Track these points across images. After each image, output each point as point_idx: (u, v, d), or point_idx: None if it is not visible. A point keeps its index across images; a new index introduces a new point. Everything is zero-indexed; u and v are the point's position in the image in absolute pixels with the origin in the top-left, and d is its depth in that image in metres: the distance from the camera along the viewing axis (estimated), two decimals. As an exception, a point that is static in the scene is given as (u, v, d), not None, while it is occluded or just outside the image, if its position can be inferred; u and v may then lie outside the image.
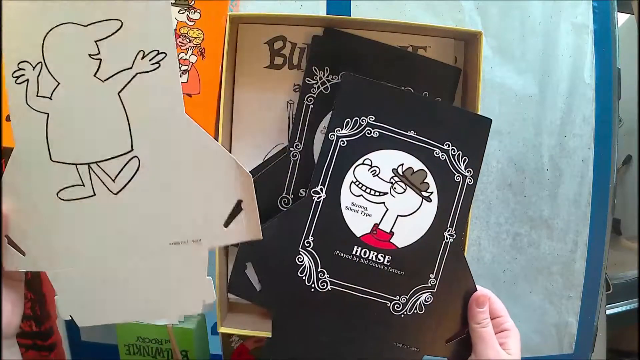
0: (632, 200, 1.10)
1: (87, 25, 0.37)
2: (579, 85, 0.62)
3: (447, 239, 0.44)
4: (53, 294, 0.39)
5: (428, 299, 0.44)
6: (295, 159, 0.48)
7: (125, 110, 0.38)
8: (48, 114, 0.38)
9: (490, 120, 0.45)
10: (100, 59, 0.37)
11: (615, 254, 0.83)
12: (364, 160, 0.44)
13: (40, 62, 0.38)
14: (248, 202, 0.40)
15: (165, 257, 0.40)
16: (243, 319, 0.47)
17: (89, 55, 0.37)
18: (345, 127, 0.44)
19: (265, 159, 0.49)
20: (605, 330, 0.70)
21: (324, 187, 0.44)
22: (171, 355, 0.61)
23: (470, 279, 0.45)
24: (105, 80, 0.38)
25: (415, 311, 0.44)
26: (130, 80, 0.38)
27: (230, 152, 0.49)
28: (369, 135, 0.44)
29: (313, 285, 0.44)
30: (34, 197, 0.38)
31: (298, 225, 0.43)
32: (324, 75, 0.48)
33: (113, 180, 0.38)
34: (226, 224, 0.40)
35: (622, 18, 1.02)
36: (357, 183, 0.44)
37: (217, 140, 0.43)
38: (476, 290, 0.45)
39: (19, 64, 0.38)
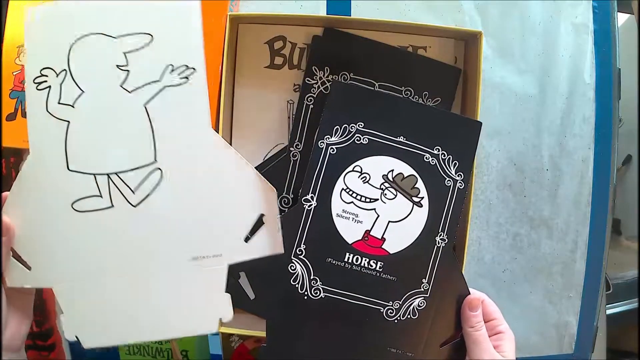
0: (632, 200, 1.10)
1: (116, 37, 0.37)
2: (579, 85, 0.61)
3: (439, 243, 0.44)
4: (53, 295, 0.39)
5: (421, 303, 0.44)
6: (295, 159, 0.48)
7: (150, 122, 0.37)
8: (69, 121, 0.37)
9: (480, 123, 0.45)
10: (128, 71, 0.37)
11: (615, 254, 0.83)
12: (354, 167, 0.44)
13: (65, 69, 0.37)
14: (270, 216, 0.39)
15: (184, 273, 0.38)
16: (243, 319, 0.47)
17: (117, 66, 0.37)
18: (335, 135, 0.44)
19: (265, 159, 0.49)
20: (605, 330, 0.70)
21: (314, 195, 0.44)
22: (171, 355, 0.61)
23: (464, 282, 0.45)
24: (132, 91, 0.37)
25: (409, 316, 0.44)
26: (158, 93, 0.37)
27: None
28: (358, 142, 0.44)
29: (306, 293, 0.44)
30: (47, 207, 0.37)
31: (290, 234, 0.43)
32: (324, 75, 0.48)
33: (133, 192, 0.38)
34: (247, 239, 0.39)
35: (622, 18, 1.02)
36: (347, 190, 0.44)
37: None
38: (469, 293, 0.45)
39: (41, 70, 0.37)
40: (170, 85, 0.37)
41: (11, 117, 0.53)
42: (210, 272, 0.39)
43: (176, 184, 0.38)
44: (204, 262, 0.39)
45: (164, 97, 0.37)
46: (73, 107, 0.37)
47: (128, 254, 0.38)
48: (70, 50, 0.37)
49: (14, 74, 0.53)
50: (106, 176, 0.37)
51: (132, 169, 0.38)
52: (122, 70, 0.37)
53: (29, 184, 0.37)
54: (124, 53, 0.37)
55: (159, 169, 0.38)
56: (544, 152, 0.61)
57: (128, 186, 0.38)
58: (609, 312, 0.76)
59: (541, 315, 0.63)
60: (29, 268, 0.37)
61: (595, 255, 0.63)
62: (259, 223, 0.39)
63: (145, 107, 0.37)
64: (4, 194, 0.38)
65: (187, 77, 0.37)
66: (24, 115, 0.53)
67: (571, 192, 0.62)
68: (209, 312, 0.39)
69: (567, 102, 0.61)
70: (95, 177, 0.37)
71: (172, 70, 0.37)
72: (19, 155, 0.58)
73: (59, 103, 0.37)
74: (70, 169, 0.37)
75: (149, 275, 0.38)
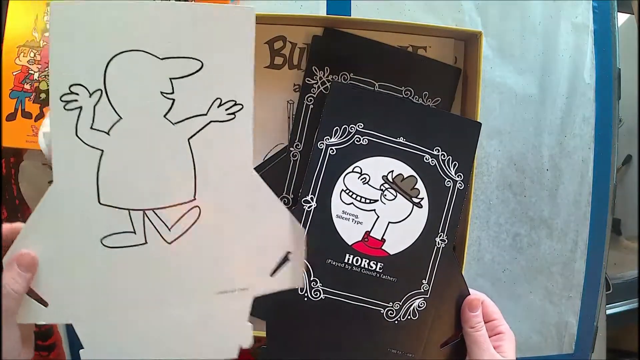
0: (632, 200, 1.10)
1: (163, 59, 0.33)
2: (579, 85, 0.61)
3: (438, 244, 0.44)
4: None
5: (421, 304, 0.44)
6: (295, 159, 0.48)
7: (193, 157, 0.35)
8: (103, 150, 0.33)
9: (480, 124, 0.45)
10: (174, 99, 0.34)
11: (615, 254, 0.83)
12: (353, 168, 0.44)
13: (100, 89, 0.33)
14: (296, 253, 0.39)
15: (210, 306, 0.38)
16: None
17: (161, 92, 0.34)
18: (334, 136, 0.44)
19: (265, 159, 0.49)
20: (605, 330, 0.70)
21: (314, 196, 0.44)
22: (171, 356, 0.61)
23: (463, 283, 0.45)
24: (176, 123, 0.34)
25: (409, 317, 0.44)
26: (203, 128, 0.35)
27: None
28: (358, 143, 0.44)
29: (306, 294, 0.44)
30: (72, 241, 0.34)
31: None
32: (324, 75, 0.48)
33: (169, 229, 0.36)
34: (272, 273, 0.39)
35: (622, 18, 1.02)
36: (347, 191, 0.44)
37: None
38: (469, 294, 0.45)
39: (70, 86, 0.32)
40: (216, 121, 0.35)
41: (11, 117, 0.53)
42: (235, 305, 0.38)
43: (212, 222, 0.36)
44: (231, 296, 0.38)
45: (208, 132, 0.35)
46: (108, 134, 0.33)
47: (156, 289, 0.36)
48: (107, 66, 0.33)
49: (14, 74, 0.53)
50: (142, 212, 0.35)
51: (171, 206, 0.35)
52: (167, 98, 0.34)
53: (52, 216, 0.34)
54: (170, 79, 0.33)
55: (198, 206, 0.36)
56: (544, 152, 0.61)
57: (164, 223, 0.35)
58: (609, 312, 0.76)
59: (541, 315, 0.63)
60: (45, 304, 0.34)
61: (595, 255, 0.63)
62: (284, 259, 0.39)
63: (189, 142, 0.35)
64: (13, 225, 0.34)
65: (234, 114, 0.35)
66: (24, 115, 0.53)
67: (571, 192, 0.62)
68: (231, 339, 0.39)
69: (567, 102, 0.61)
70: (129, 212, 0.35)
71: (220, 105, 0.35)
72: (19, 155, 0.58)
73: (91, 128, 0.33)
74: (101, 202, 0.34)
75: (174, 308, 0.37)
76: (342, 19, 0.50)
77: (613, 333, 0.73)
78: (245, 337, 0.39)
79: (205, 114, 0.35)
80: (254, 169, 0.47)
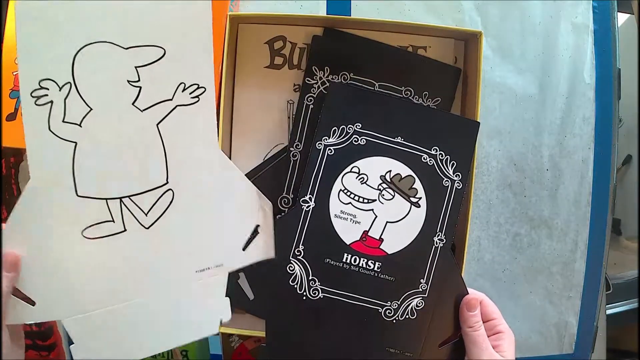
0: (632, 200, 1.10)
1: (127, 48, 0.34)
2: (579, 85, 0.61)
3: (437, 243, 0.44)
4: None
5: (419, 304, 0.44)
6: (295, 159, 0.48)
7: (162, 142, 0.36)
8: (76, 142, 0.34)
9: (478, 123, 0.45)
10: (140, 87, 0.35)
11: (615, 254, 0.83)
12: (351, 168, 0.44)
13: (69, 82, 0.33)
14: (265, 226, 0.41)
15: (190, 285, 0.39)
16: (243, 319, 0.47)
17: (128, 81, 0.34)
18: (333, 136, 0.44)
19: (265, 159, 0.49)
20: (605, 330, 0.70)
21: (312, 196, 0.44)
22: (171, 355, 0.61)
23: (462, 282, 0.45)
24: (144, 110, 0.35)
25: (407, 316, 0.44)
26: (170, 112, 0.36)
27: (230, 152, 0.49)
28: (356, 143, 0.44)
29: (305, 293, 0.44)
30: (54, 237, 0.35)
31: (288, 235, 0.44)
32: (324, 75, 0.48)
33: (146, 215, 0.37)
34: (244, 248, 0.41)
35: (622, 18, 1.02)
36: (345, 191, 0.44)
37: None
38: (468, 293, 0.45)
39: (40, 81, 0.32)
40: (181, 105, 0.36)
41: (11, 117, 0.53)
42: (212, 281, 0.40)
43: (185, 203, 0.38)
44: (208, 273, 0.40)
45: (174, 116, 0.36)
46: (80, 126, 0.34)
47: (139, 276, 0.37)
48: (74, 59, 0.33)
49: (14, 74, 0.53)
50: (118, 200, 0.36)
51: (146, 191, 0.36)
52: (133, 86, 0.34)
53: (31, 213, 0.34)
54: (136, 67, 0.34)
55: (171, 189, 0.37)
56: (544, 152, 0.61)
57: (141, 209, 0.36)
58: (609, 312, 0.76)
59: (541, 315, 0.63)
60: (32, 304, 0.35)
61: (595, 255, 0.63)
62: (255, 232, 0.41)
63: (158, 127, 0.36)
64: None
65: (197, 97, 0.36)
66: (24, 115, 0.53)
67: (571, 192, 0.62)
68: (211, 315, 0.41)
69: (567, 102, 0.61)
70: (107, 202, 0.35)
71: (184, 89, 0.36)
72: (19, 155, 0.58)
73: (63, 122, 0.33)
74: (79, 194, 0.34)
75: (158, 292, 0.38)
76: (342, 19, 0.50)
77: (613, 333, 0.73)
78: (224, 311, 0.41)
79: (171, 99, 0.36)
80: (254, 169, 0.48)
